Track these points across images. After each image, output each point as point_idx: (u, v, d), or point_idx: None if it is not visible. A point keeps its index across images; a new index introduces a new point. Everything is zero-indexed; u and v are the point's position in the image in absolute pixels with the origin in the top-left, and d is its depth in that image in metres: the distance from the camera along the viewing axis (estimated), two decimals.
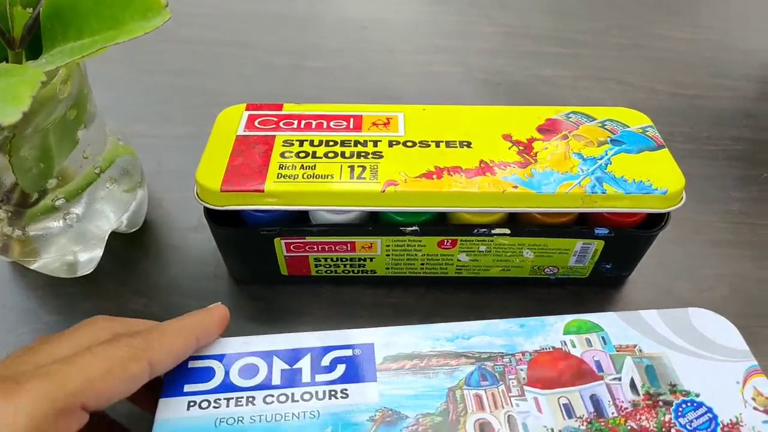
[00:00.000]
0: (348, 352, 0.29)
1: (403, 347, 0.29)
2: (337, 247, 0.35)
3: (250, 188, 0.32)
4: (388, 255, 0.35)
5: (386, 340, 0.29)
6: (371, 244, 0.35)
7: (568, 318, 0.30)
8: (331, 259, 0.36)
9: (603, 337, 0.30)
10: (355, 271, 0.37)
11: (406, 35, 0.58)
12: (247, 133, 0.35)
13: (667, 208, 0.32)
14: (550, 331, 0.30)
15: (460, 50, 0.56)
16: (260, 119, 0.36)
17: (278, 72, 0.51)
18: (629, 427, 0.26)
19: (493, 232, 0.34)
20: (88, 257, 0.37)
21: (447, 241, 0.35)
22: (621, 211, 0.32)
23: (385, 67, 0.53)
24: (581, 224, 0.34)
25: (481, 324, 0.30)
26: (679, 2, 0.62)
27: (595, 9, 0.61)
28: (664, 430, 0.26)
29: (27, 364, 0.23)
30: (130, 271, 0.39)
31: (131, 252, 0.40)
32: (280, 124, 0.36)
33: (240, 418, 0.27)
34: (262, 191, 0.32)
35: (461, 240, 0.34)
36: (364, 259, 0.36)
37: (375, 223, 0.34)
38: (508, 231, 0.34)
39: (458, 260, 0.36)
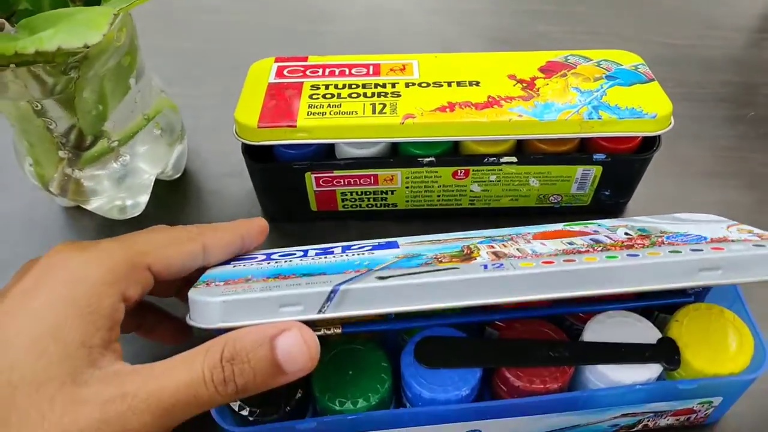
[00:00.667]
0: (374, 243, 0.32)
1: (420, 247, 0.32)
2: (361, 180, 0.39)
3: (283, 124, 0.36)
4: (407, 187, 0.39)
5: (407, 241, 0.33)
6: (392, 176, 0.39)
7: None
8: (356, 193, 0.40)
9: (599, 224, 0.31)
10: (378, 205, 0.41)
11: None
12: (278, 80, 0.39)
13: (658, 131, 0.36)
14: (551, 225, 0.32)
15: (465, 12, 0.60)
16: (288, 69, 0.40)
17: (298, 36, 0.56)
18: (625, 245, 0.27)
19: (501, 160, 0.37)
20: (136, 201, 0.41)
21: (460, 171, 0.38)
22: (616, 135, 0.36)
23: (395, 30, 0.57)
24: (582, 152, 0.38)
25: (492, 229, 0.33)
26: None
27: None
28: (657, 241, 0.27)
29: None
30: (174, 214, 0.43)
31: (174, 197, 0.44)
32: (307, 72, 0.40)
33: (285, 260, 0.30)
34: (295, 126, 0.36)
35: (473, 170, 0.38)
36: (386, 192, 0.40)
37: (395, 156, 0.38)
38: (515, 159, 0.37)
39: (471, 191, 0.40)
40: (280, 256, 0.31)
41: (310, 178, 0.38)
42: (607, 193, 0.40)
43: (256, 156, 0.38)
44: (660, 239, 0.28)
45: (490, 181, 0.39)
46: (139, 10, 0.32)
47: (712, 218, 0.32)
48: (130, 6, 0.30)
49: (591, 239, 0.29)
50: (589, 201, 0.40)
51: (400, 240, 0.33)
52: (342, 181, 0.39)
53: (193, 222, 0.42)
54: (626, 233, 0.29)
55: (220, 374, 0.24)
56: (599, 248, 0.27)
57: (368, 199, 0.40)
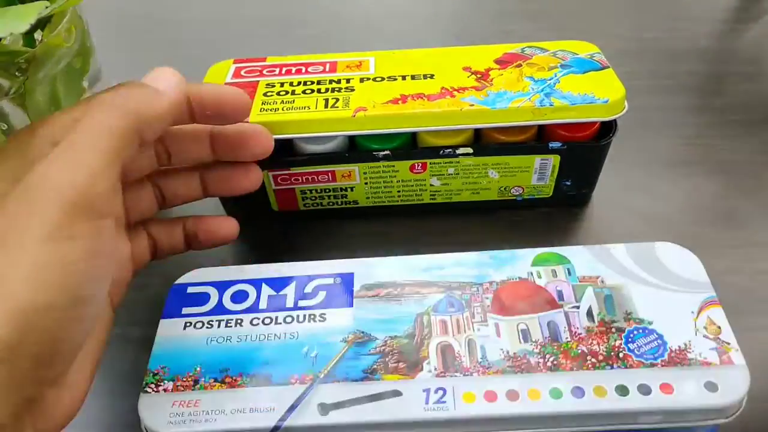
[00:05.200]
0: (329, 281, 0.33)
1: (379, 277, 0.32)
2: (319, 177, 0.39)
3: None
4: (366, 183, 0.39)
5: (365, 270, 0.33)
6: (350, 172, 0.38)
7: (539, 250, 0.33)
8: (316, 191, 0.40)
9: (568, 269, 0.32)
10: (339, 203, 0.41)
11: (380, 2, 0.63)
12: (234, 80, 0.39)
13: (611, 116, 0.36)
14: (519, 263, 0.32)
15: (430, 15, 0.61)
16: (246, 69, 0.40)
17: (259, 40, 0.57)
18: (580, 351, 0.28)
19: (457, 152, 0.37)
20: None
21: (418, 165, 0.38)
22: (569, 121, 0.36)
23: (361, 35, 0.58)
24: (539, 142, 0.38)
25: (455, 256, 0.33)
26: None
27: None
28: (613, 353, 0.28)
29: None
30: None
31: None
32: (263, 72, 0.40)
33: (228, 338, 0.30)
34: (247, 122, 0.36)
35: (430, 163, 0.38)
36: (345, 189, 0.39)
37: (351, 152, 0.38)
38: (470, 150, 0.37)
39: (431, 185, 0.39)
40: (230, 311, 0.32)
41: (268, 176, 0.38)
42: (568, 183, 0.39)
43: None
44: (618, 343, 0.29)
45: (449, 174, 0.39)
46: (103, 17, 0.32)
47: (687, 281, 0.31)
48: (66, 5, 0.30)
49: (549, 328, 0.29)
50: (551, 192, 0.40)
51: (356, 269, 0.33)
52: (300, 178, 0.39)
53: None
54: (589, 310, 0.30)
55: None
56: (551, 359, 0.28)
57: (328, 197, 0.40)
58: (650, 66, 0.52)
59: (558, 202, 0.41)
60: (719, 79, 0.50)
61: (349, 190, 0.40)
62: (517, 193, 0.40)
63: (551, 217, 0.41)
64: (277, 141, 0.36)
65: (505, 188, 0.40)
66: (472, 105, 0.35)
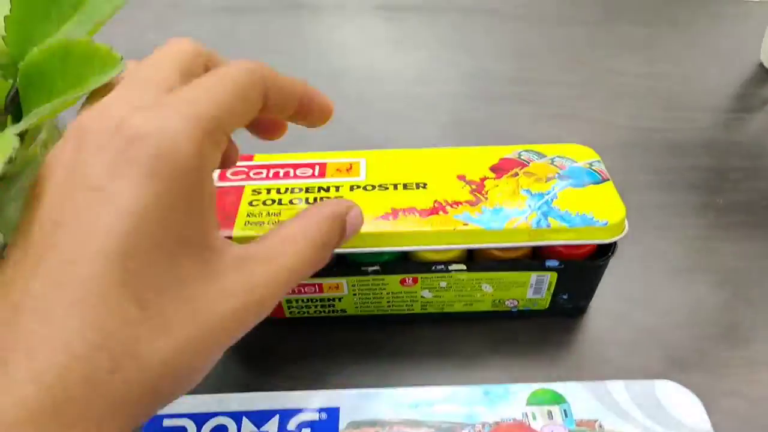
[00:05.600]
0: (314, 416, 0.31)
1: (366, 413, 0.31)
2: (305, 289, 0.37)
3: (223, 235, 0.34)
4: (355, 294, 0.37)
5: (352, 404, 0.31)
6: (337, 284, 0.37)
7: (534, 386, 0.31)
8: (302, 300, 0.38)
9: (565, 410, 0.30)
10: (327, 311, 0.39)
11: (377, 83, 0.61)
12: (220, 184, 0.38)
13: (611, 239, 0.34)
14: (514, 400, 0.31)
15: (427, 95, 0.59)
16: (232, 171, 0.39)
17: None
18: None
19: (450, 268, 0.36)
20: None
21: (408, 279, 0.36)
22: (567, 243, 0.34)
23: (356, 116, 0.56)
24: (535, 258, 0.36)
25: (444, 391, 0.32)
26: (634, 38, 0.64)
27: (554, 47, 0.64)
28: None
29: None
30: None
31: None
32: (250, 173, 0.38)
33: None
34: (231, 238, 0.34)
35: (422, 277, 0.36)
36: (333, 299, 0.38)
37: (339, 264, 0.36)
38: (464, 267, 0.36)
39: (422, 296, 0.38)
40: None
41: None
42: (565, 297, 0.38)
43: None
44: None
45: (441, 287, 0.37)
46: None
47: (687, 428, 0.30)
48: (43, 119, 0.29)
49: None
50: (548, 305, 0.38)
51: (342, 403, 0.31)
52: None
53: None
54: None
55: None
56: None
57: (315, 306, 0.38)
58: (648, 158, 0.50)
59: (554, 314, 0.39)
60: (722, 175, 0.49)
61: (337, 300, 0.38)
62: (512, 305, 0.39)
63: (546, 328, 0.39)
64: None
65: (499, 300, 0.38)
66: (466, 224, 0.34)
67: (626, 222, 0.35)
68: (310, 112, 0.30)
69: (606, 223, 0.34)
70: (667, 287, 0.41)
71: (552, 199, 0.35)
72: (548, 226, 0.34)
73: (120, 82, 0.26)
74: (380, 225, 0.34)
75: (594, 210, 0.34)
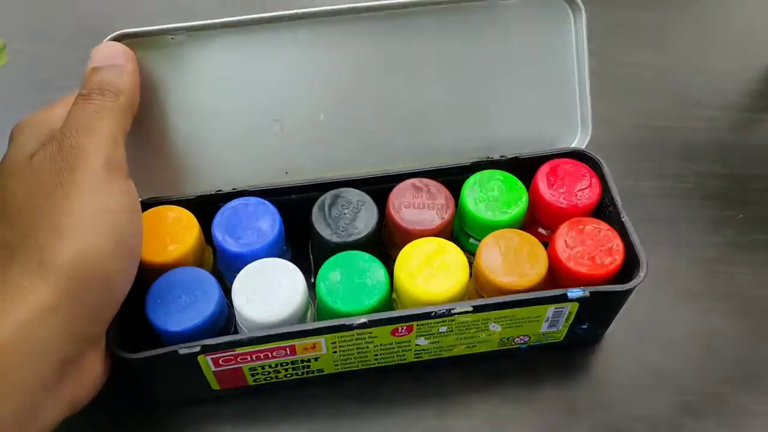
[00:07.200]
0: None
1: None
2: (274, 353, 0.29)
3: None
4: (335, 352, 0.30)
5: None
6: (314, 344, 0.29)
7: None
8: (270, 366, 0.30)
9: None
10: (300, 374, 0.31)
11: None
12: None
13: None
14: None
15: None
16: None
17: None
18: None
19: (453, 311, 0.29)
20: None
21: (402, 328, 0.30)
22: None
23: None
24: (552, 283, 0.30)
25: None
26: (643, 24, 0.53)
27: None
28: None
29: None
30: None
31: None
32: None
33: None
34: None
35: (418, 325, 0.30)
36: (308, 360, 0.30)
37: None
38: (470, 308, 0.29)
39: (417, 344, 0.31)
40: None
41: (206, 360, 0.29)
42: (584, 327, 0.32)
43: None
44: None
45: (440, 332, 0.30)
46: None
47: None
48: None
49: None
50: (563, 337, 0.33)
51: None
52: (249, 357, 0.29)
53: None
54: None
55: None
56: None
57: (285, 370, 0.31)
58: (658, 162, 0.43)
59: (567, 346, 0.33)
60: (742, 185, 0.42)
61: (312, 360, 0.31)
62: (521, 342, 0.32)
63: (538, 377, 0.34)
64: None
65: (507, 339, 0.32)
66: None
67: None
68: None
69: None
70: (679, 318, 0.35)
71: None
72: None
73: None
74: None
75: None
